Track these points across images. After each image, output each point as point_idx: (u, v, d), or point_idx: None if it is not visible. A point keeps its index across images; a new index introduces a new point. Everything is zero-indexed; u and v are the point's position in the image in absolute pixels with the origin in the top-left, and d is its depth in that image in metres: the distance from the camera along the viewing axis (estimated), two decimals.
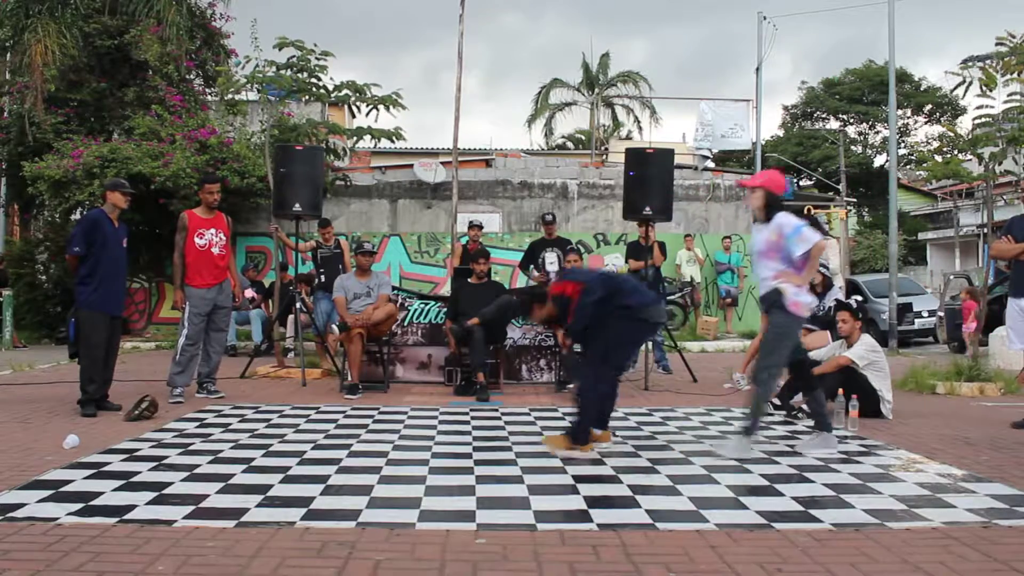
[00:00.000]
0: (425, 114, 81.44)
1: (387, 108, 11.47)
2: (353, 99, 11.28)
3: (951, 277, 16.48)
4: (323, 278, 9.36)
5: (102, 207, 6.30)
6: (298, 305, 8.64)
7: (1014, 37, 7.95)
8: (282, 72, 10.13)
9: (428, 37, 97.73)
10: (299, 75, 10.23)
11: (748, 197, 4.99)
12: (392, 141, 12.28)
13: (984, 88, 8.11)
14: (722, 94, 57.38)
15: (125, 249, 6.34)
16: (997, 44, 8.10)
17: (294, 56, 10.13)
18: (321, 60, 10.24)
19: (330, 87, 10.70)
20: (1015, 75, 7.98)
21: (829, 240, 7.59)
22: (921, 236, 28.70)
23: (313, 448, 4.85)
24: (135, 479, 4.02)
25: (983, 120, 8.61)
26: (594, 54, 34.11)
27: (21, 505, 3.52)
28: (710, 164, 17.34)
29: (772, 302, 4.82)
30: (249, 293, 11.63)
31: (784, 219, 4.76)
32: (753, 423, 4.78)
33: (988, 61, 8.32)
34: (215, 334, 7.01)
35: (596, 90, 31.96)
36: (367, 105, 11.38)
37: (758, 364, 4.92)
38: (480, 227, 10.23)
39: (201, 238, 6.84)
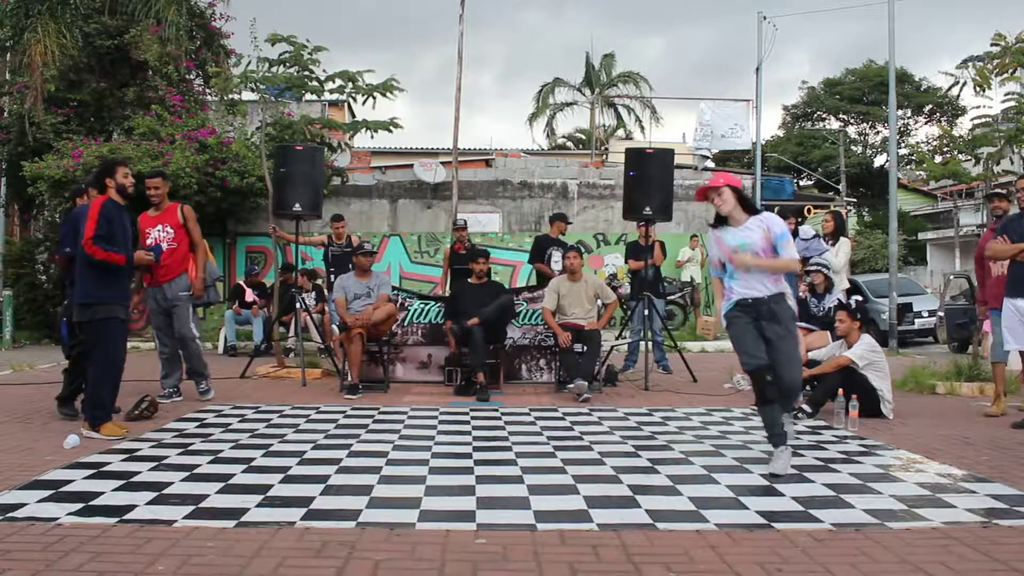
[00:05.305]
0: (442, 112, 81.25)
1: (383, 94, 11.43)
2: (348, 90, 11.22)
3: (951, 277, 16.47)
4: (334, 277, 9.29)
5: (80, 203, 6.16)
6: (298, 305, 8.63)
7: (1005, 38, 7.99)
8: (274, 68, 10.11)
9: (444, 35, 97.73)
10: (291, 70, 10.21)
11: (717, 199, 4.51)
12: (389, 131, 12.26)
13: (977, 88, 8.15)
14: (736, 93, 57.02)
15: None
16: (992, 44, 8.14)
17: (286, 52, 10.11)
18: (313, 55, 10.21)
19: (322, 78, 10.66)
20: (1009, 74, 8.02)
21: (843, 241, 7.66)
22: (921, 236, 28.68)
23: (313, 448, 4.85)
24: (135, 479, 4.02)
25: (982, 120, 8.64)
26: (595, 53, 34.08)
27: (21, 505, 3.52)
28: (710, 164, 17.35)
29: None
30: (249, 295, 11.63)
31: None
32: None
33: (982, 62, 8.37)
34: (178, 334, 6.70)
35: (597, 90, 31.98)
36: (362, 95, 11.33)
37: None
38: (464, 227, 10.04)
39: (148, 237, 6.61)
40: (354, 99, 11.50)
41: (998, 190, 7.72)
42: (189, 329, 6.72)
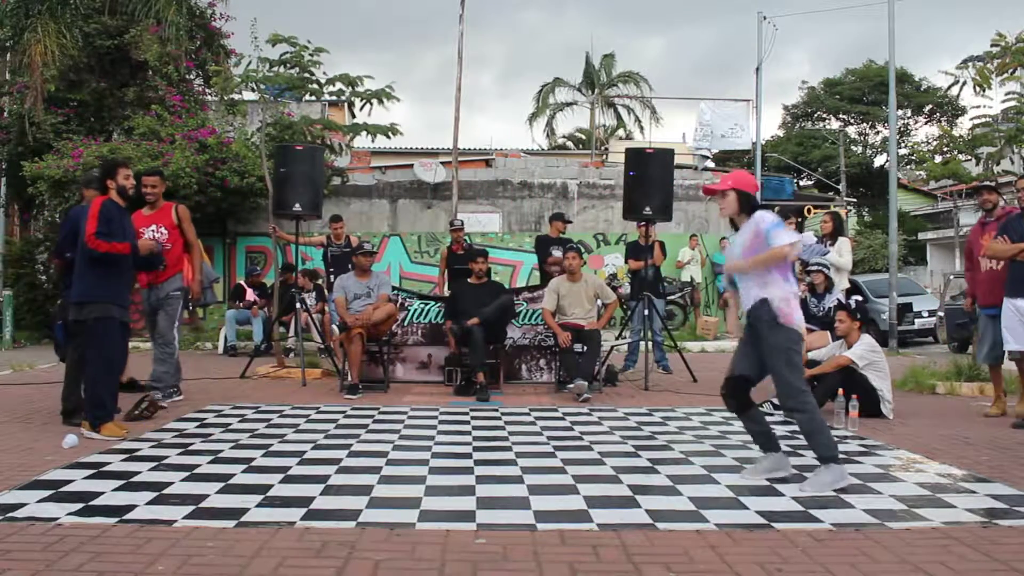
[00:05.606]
0: (442, 112, 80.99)
1: (380, 101, 11.41)
2: (348, 94, 11.20)
3: (951, 277, 16.47)
4: (333, 278, 9.28)
5: (81, 204, 6.13)
6: (298, 305, 8.62)
7: (1005, 38, 7.99)
8: (275, 69, 10.11)
9: (444, 35, 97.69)
10: (291, 71, 10.21)
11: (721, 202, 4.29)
12: (388, 136, 12.24)
13: (977, 88, 8.15)
14: (736, 93, 56.89)
15: None
16: (992, 44, 8.14)
17: (287, 52, 10.10)
18: (314, 56, 10.20)
19: (322, 80, 10.65)
20: (1009, 74, 8.03)
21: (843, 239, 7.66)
22: (921, 236, 28.65)
23: (313, 448, 4.85)
24: (135, 479, 4.02)
25: (982, 120, 8.65)
26: (595, 53, 34.08)
27: (21, 505, 3.52)
28: (710, 164, 17.36)
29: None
30: (250, 295, 11.63)
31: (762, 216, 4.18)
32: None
33: (982, 62, 8.38)
34: (157, 338, 6.55)
35: (597, 90, 32.00)
36: (361, 100, 11.32)
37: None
38: (461, 227, 9.98)
39: (142, 237, 6.32)
40: (353, 104, 11.50)
41: (987, 183, 7.70)
42: (171, 331, 6.49)
